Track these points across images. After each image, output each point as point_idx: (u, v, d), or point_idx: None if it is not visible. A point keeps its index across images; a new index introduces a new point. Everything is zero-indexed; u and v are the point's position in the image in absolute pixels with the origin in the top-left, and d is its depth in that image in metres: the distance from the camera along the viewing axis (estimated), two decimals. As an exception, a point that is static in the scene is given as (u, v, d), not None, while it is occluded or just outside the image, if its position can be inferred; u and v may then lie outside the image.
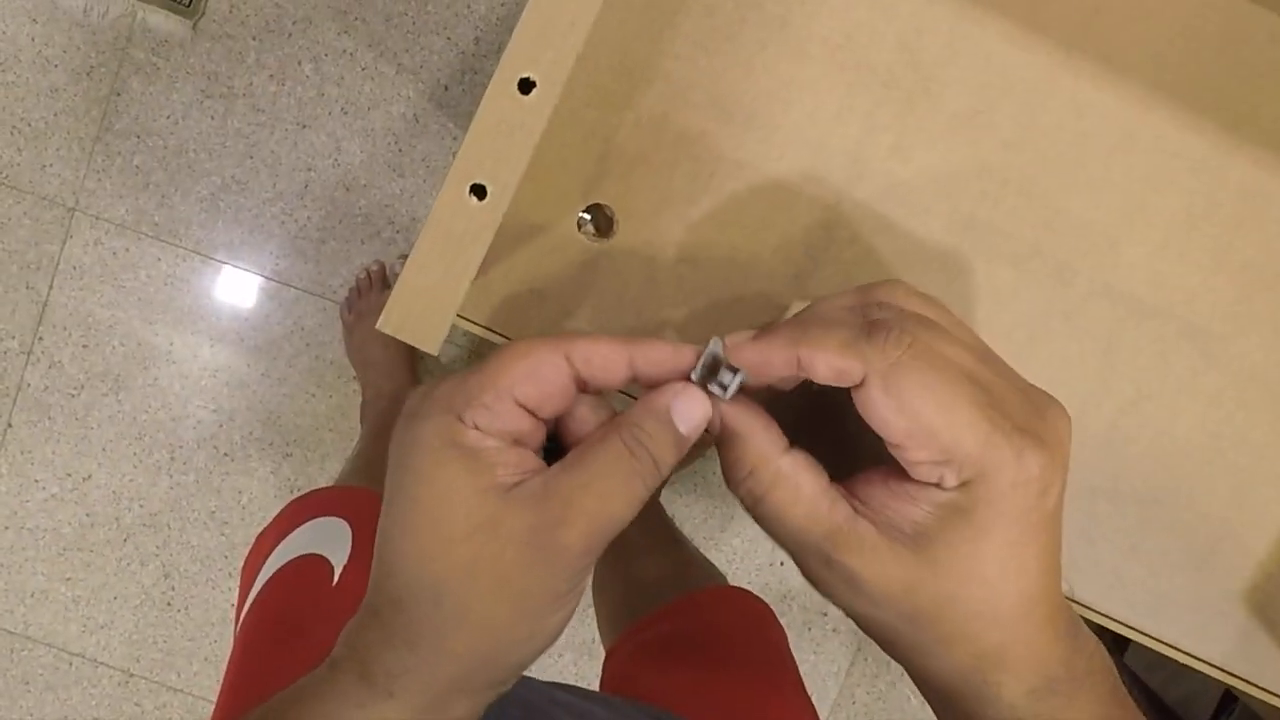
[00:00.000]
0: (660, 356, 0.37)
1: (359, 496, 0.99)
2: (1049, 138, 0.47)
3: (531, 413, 0.36)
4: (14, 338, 1.63)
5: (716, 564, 1.27)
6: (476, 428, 0.35)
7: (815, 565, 0.37)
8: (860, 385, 0.36)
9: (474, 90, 1.57)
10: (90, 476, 1.68)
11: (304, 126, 1.58)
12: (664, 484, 1.64)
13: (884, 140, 0.47)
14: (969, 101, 0.47)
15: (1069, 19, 0.46)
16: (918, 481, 0.36)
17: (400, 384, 1.57)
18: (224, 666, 1.72)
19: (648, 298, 0.48)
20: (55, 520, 1.69)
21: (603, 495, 0.35)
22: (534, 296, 0.48)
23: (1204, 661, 0.54)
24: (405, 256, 1.68)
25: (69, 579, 1.72)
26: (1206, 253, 0.48)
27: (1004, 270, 0.48)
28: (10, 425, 1.66)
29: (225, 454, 1.68)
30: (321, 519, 0.91)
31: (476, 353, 1.67)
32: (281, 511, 0.98)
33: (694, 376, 0.37)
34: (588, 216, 0.48)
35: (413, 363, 1.61)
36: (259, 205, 1.61)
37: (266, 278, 1.63)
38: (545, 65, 0.37)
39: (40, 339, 1.63)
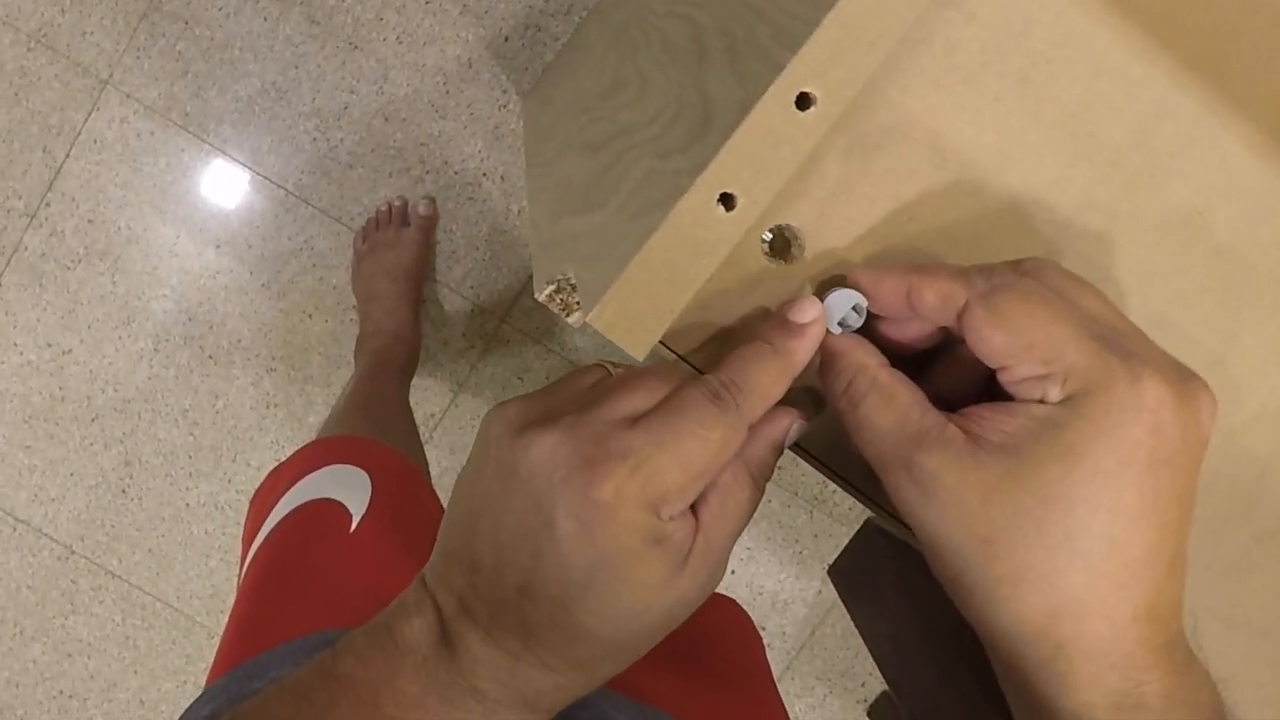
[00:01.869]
0: (805, 359, 0.38)
1: (380, 452, 0.95)
2: (1261, 252, 0.43)
3: None
4: (20, 198, 1.54)
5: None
6: (673, 519, 0.35)
7: (897, 471, 0.35)
8: (964, 311, 0.34)
9: (533, 46, 1.50)
10: (70, 351, 1.59)
11: (355, 47, 1.51)
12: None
13: (1094, 220, 0.43)
14: (1191, 199, 0.43)
15: (1313, 136, 0.42)
16: (1021, 400, 0.33)
17: (400, 323, 1.50)
18: (169, 562, 1.65)
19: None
20: (26, 387, 1.61)
21: (741, 529, 0.37)
22: (698, 307, 0.43)
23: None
24: (430, 198, 1.61)
25: (29, 447, 1.63)
26: (1387, 401, 0.45)
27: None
28: (-1, 284, 1.57)
29: (210, 356, 1.61)
30: (342, 466, 0.87)
31: (472, 375, 1.61)
32: (299, 451, 0.94)
33: (834, 328, 0.39)
34: (770, 235, 0.43)
35: (416, 304, 1.55)
36: (294, 117, 1.53)
37: (287, 190, 1.55)
38: (832, 82, 0.32)
39: (47, 204, 1.54)
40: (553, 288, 0.40)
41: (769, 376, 0.36)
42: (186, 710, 0.63)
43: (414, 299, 1.54)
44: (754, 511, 0.38)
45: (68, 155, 1.52)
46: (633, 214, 0.37)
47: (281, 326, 1.60)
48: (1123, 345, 0.33)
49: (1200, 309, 0.44)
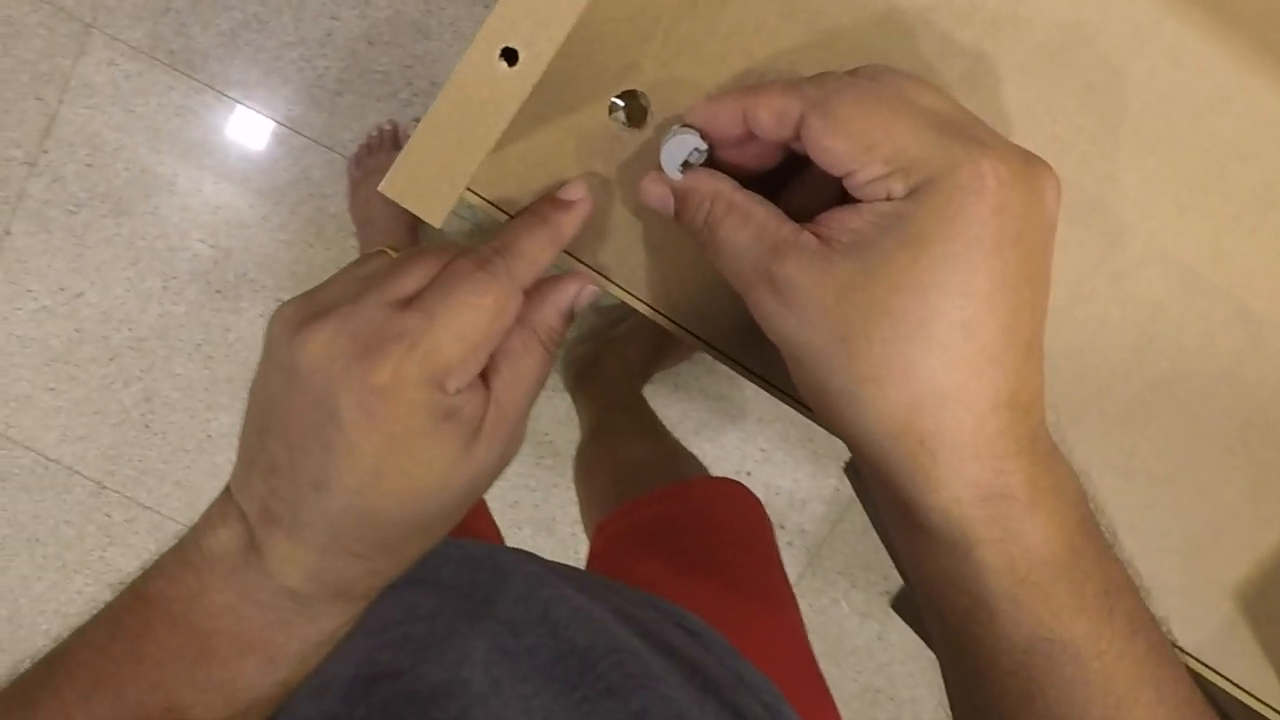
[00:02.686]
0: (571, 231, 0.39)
1: None
2: (1138, 85, 0.41)
3: None
4: (19, 147, 1.54)
5: (689, 466, 1.24)
6: (459, 392, 0.34)
7: (758, 287, 0.34)
8: (801, 123, 0.33)
9: (507, -40, 1.47)
10: (82, 294, 1.61)
11: (332, -27, 1.48)
12: (652, 372, 1.60)
13: (957, 64, 0.41)
14: (1056, 35, 0.40)
15: (1183, -43, 0.39)
16: (869, 200, 0.32)
17: (398, 244, 1.50)
18: (197, 491, 1.68)
19: (675, 199, 0.42)
20: (44, 331, 1.63)
21: (536, 394, 0.38)
22: (552, 180, 0.42)
23: (1177, 647, 0.50)
24: (419, 120, 1.59)
25: (53, 389, 1.66)
26: (1277, 235, 0.42)
27: (1059, 223, 0.42)
28: (9, 233, 1.58)
29: (217, 290, 1.62)
30: None
31: (481, 227, 1.60)
32: None
33: (667, 168, 0.38)
34: (621, 103, 0.42)
35: (414, 226, 1.54)
36: (278, 48, 1.51)
37: (278, 122, 1.54)
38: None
39: (46, 152, 1.54)
40: (390, 178, 0.39)
41: (537, 243, 0.37)
42: None
43: (410, 220, 1.53)
44: (546, 376, 0.38)
45: (60, 101, 1.52)
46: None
47: (285, 257, 1.60)
48: (963, 132, 0.32)
49: (1075, 149, 0.41)
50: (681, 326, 0.44)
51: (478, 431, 0.35)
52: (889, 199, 0.32)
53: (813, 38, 0.40)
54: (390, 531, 0.35)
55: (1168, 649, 0.35)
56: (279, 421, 0.34)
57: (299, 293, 0.36)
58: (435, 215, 0.32)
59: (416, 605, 0.49)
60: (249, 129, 1.54)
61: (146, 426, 1.68)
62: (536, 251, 0.37)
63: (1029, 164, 0.32)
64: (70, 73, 1.51)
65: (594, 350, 1.57)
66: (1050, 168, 0.33)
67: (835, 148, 0.32)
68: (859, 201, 0.33)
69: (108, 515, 1.73)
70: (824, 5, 0.40)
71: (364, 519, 0.34)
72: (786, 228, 0.34)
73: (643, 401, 1.51)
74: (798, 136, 0.34)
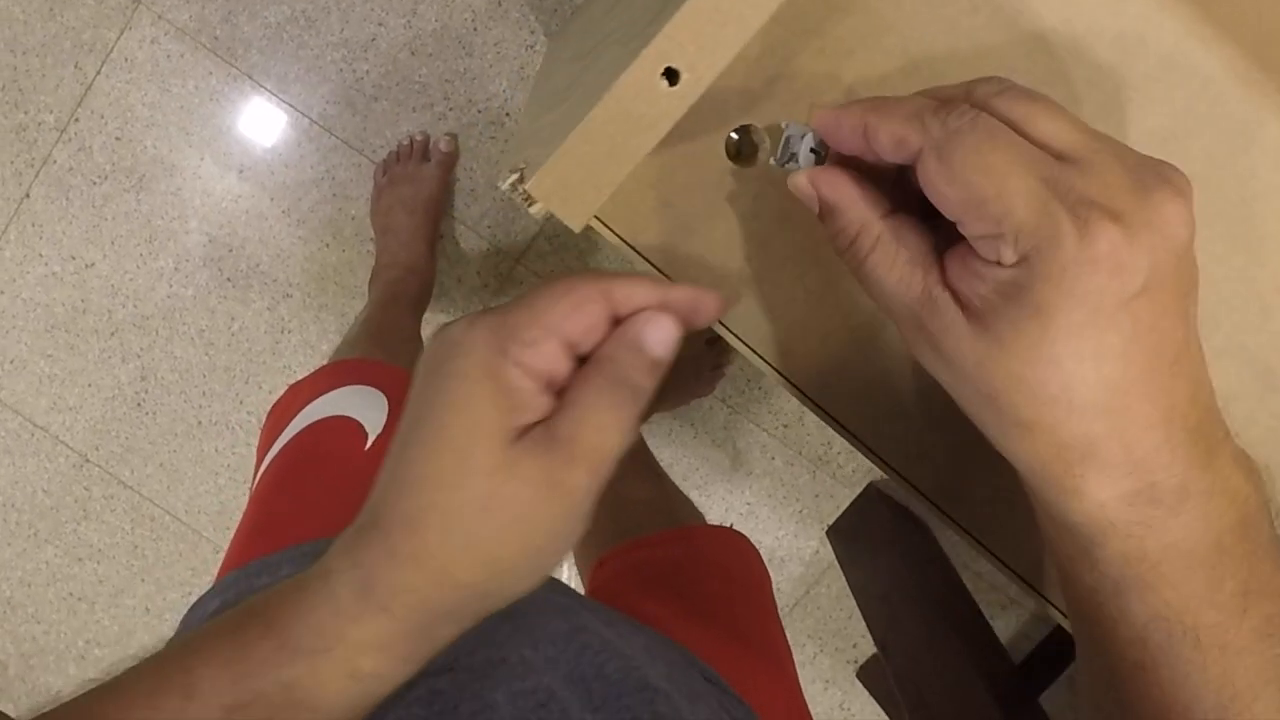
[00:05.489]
0: (687, 298, 0.36)
1: (397, 375, 0.95)
2: (1238, 182, 0.42)
3: (570, 349, 0.35)
4: (51, 112, 1.54)
5: (680, 513, 1.24)
6: (518, 365, 0.33)
7: (910, 329, 0.36)
8: (918, 159, 0.33)
9: (561, -11, 1.48)
10: (93, 265, 1.60)
11: (386, -20, 1.49)
12: (649, 414, 1.59)
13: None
14: (1167, 122, 0.41)
15: (1298, 64, 0.40)
16: (984, 259, 0.32)
17: (415, 256, 1.50)
18: (179, 476, 1.67)
19: (775, 236, 0.43)
20: (50, 297, 1.61)
21: (598, 429, 0.34)
22: (659, 203, 0.42)
23: None
24: (452, 134, 1.60)
25: (50, 356, 1.64)
26: (1355, 343, 0.43)
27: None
28: (28, 196, 1.57)
29: (228, 279, 1.61)
30: (361, 386, 0.88)
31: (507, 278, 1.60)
32: (320, 370, 0.94)
33: (773, 161, 0.38)
34: (736, 137, 0.42)
35: (432, 239, 1.54)
36: (322, 47, 1.52)
37: (311, 120, 1.54)
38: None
39: (76, 120, 1.54)
40: (515, 176, 0.39)
41: (640, 283, 0.35)
42: (196, 602, 0.63)
43: (430, 234, 1.53)
44: (620, 417, 0.34)
45: (99, 72, 1.52)
46: (590, 95, 0.36)
47: (299, 254, 1.59)
48: (1073, 187, 0.31)
49: (1170, 238, 0.42)
50: (759, 354, 0.44)
51: (520, 432, 0.33)
52: (1000, 263, 0.32)
53: (932, 98, 0.41)
54: (412, 497, 0.34)
55: None
56: None
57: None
58: (577, 220, 0.32)
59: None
60: (281, 123, 1.55)
61: (139, 405, 1.66)
62: (642, 281, 0.35)
63: (1145, 203, 0.31)
64: (113, 45, 1.51)
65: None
66: (1173, 192, 0.32)
67: (949, 195, 0.33)
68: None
69: (87, 489, 1.70)
70: (946, 68, 0.41)
71: (397, 471, 0.34)
72: (930, 279, 0.35)
73: (642, 442, 1.51)
74: (914, 166, 0.34)
